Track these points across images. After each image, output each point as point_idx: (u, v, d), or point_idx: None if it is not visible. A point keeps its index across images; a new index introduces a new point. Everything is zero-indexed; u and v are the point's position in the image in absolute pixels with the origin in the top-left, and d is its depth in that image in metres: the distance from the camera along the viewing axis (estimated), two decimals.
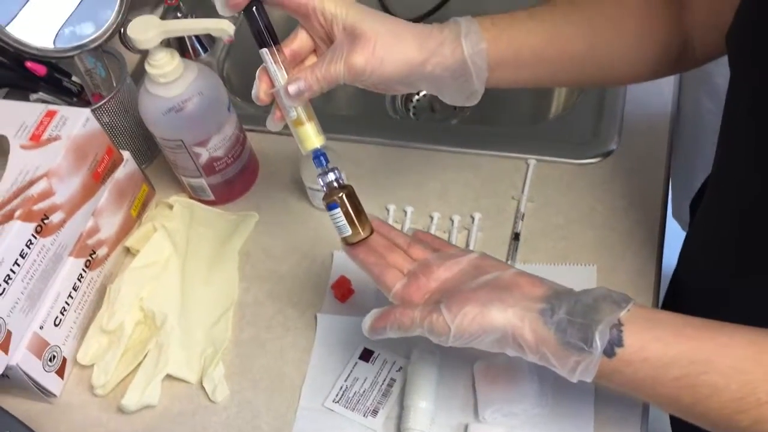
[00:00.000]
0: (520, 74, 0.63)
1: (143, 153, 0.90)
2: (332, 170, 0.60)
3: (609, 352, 0.51)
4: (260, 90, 0.60)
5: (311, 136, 0.60)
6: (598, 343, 0.50)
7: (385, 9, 1.15)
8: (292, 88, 0.58)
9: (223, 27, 0.68)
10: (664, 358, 0.50)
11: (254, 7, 0.58)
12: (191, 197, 0.86)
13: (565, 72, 0.64)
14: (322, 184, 0.60)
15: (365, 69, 0.57)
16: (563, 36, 0.62)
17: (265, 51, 0.59)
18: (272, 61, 0.59)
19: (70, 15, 0.79)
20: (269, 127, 0.62)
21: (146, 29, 0.69)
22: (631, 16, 0.63)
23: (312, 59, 0.61)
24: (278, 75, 0.59)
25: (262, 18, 0.58)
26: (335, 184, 0.60)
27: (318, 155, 0.60)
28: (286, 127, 0.94)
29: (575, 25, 0.62)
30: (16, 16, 0.77)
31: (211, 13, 1.06)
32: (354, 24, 0.57)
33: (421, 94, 1.14)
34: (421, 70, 0.59)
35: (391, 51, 0.57)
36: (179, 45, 1.01)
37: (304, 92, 0.58)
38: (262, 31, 0.58)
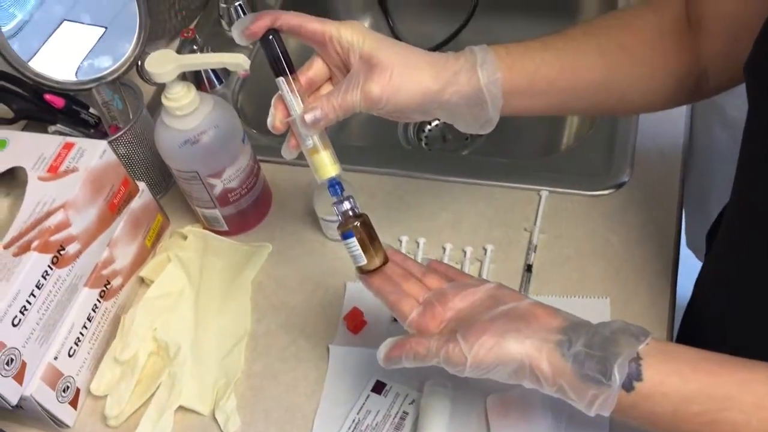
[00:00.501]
0: (534, 103, 0.63)
1: (158, 183, 0.91)
2: (347, 199, 0.60)
3: (628, 386, 0.50)
4: (276, 118, 0.60)
5: (326, 165, 0.60)
6: (617, 376, 0.50)
7: (398, 40, 1.16)
8: (308, 117, 0.58)
9: (239, 61, 0.69)
10: (684, 392, 0.50)
11: (270, 36, 0.58)
12: (205, 227, 0.87)
13: (578, 100, 0.64)
14: (337, 212, 0.60)
15: (381, 97, 0.58)
16: (577, 65, 0.62)
17: (281, 79, 0.59)
18: (288, 90, 0.59)
19: (91, 49, 0.80)
20: (284, 155, 0.63)
21: (164, 63, 0.70)
22: (645, 46, 0.63)
23: (327, 87, 0.62)
24: (294, 103, 0.59)
25: (279, 46, 0.59)
26: (350, 212, 0.60)
27: (333, 184, 0.60)
28: (299, 156, 0.95)
29: (589, 54, 0.63)
30: (38, 51, 0.79)
31: (227, 45, 1.09)
32: (371, 52, 0.57)
33: (434, 123, 1.14)
34: (437, 99, 0.59)
35: (408, 79, 0.58)
36: (195, 77, 1.02)
37: (321, 121, 0.58)
38: (278, 59, 0.59)
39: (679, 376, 0.50)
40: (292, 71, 0.60)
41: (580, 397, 0.52)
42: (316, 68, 0.61)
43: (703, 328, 0.75)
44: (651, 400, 0.50)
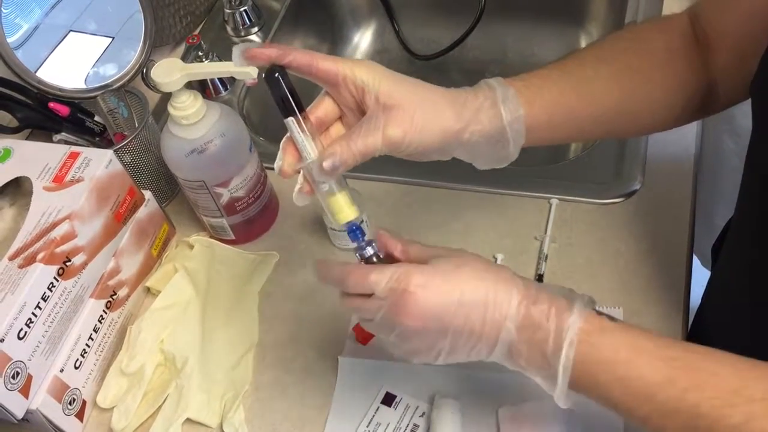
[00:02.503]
0: (553, 135, 0.63)
1: (164, 191, 0.90)
2: (370, 244, 0.56)
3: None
4: (285, 163, 0.56)
5: (344, 208, 0.57)
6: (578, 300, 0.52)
7: (403, 45, 1.16)
8: (327, 164, 0.54)
9: (246, 70, 0.68)
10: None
11: (276, 74, 0.55)
12: (211, 236, 0.86)
13: (596, 127, 0.64)
14: (359, 258, 0.56)
15: (404, 140, 0.55)
16: (594, 93, 0.62)
17: (291, 120, 0.55)
18: (299, 131, 0.55)
19: (99, 58, 0.80)
20: (297, 202, 0.59)
21: (170, 73, 0.70)
22: (657, 67, 0.63)
23: (337, 127, 0.59)
24: (307, 146, 0.55)
25: (286, 84, 0.55)
26: (374, 259, 0.56)
27: (353, 229, 0.56)
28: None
29: (604, 80, 0.62)
30: (45, 60, 0.78)
31: (232, 52, 1.08)
32: (389, 93, 0.55)
33: None
34: (458, 138, 0.58)
35: (430, 121, 0.56)
36: (200, 83, 1.01)
37: (340, 167, 0.55)
38: (286, 98, 0.55)
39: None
40: (302, 110, 0.55)
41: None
42: (325, 107, 0.58)
43: (710, 334, 0.74)
44: (617, 331, 0.51)
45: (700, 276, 0.81)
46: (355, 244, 0.57)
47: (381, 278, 0.52)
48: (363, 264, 0.56)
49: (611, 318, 0.52)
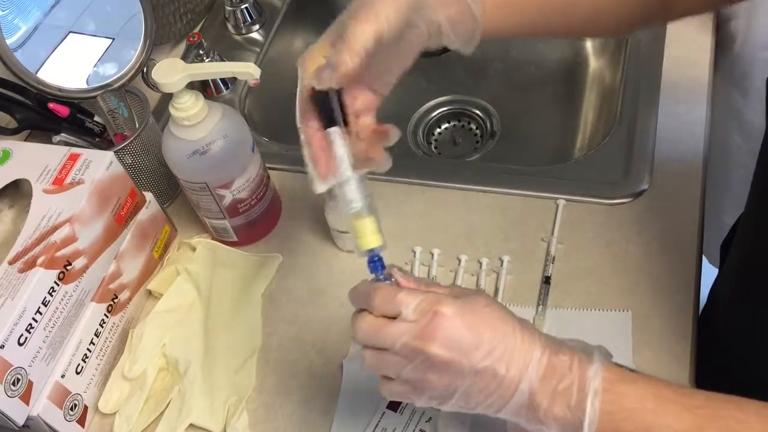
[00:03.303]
0: (509, 21, 0.62)
1: (165, 192, 0.89)
2: (389, 278, 0.54)
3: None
4: (321, 176, 0.55)
5: (369, 234, 0.54)
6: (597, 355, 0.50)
7: None
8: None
9: (249, 71, 0.67)
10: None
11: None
12: (214, 238, 0.85)
13: (551, 20, 0.63)
14: None
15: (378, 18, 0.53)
16: None
17: (335, 131, 0.54)
18: (342, 144, 0.54)
19: (99, 58, 0.79)
20: (316, 189, 0.57)
21: (171, 73, 0.68)
22: None
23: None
24: (346, 160, 0.54)
25: (339, 98, 0.54)
26: None
27: (374, 259, 0.54)
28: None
29: None
30: (45, 61, 0.77)
31: (233, 49, 1.07)
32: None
33: (443, 127, 1.12)
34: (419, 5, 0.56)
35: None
36: (201, 82, 1.00)
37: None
38: (336, 108, 0.54)
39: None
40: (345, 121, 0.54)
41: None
42: (364, 100, 0.58)
43: (716, 335, 0.74)
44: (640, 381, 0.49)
45: (707, 274, 0.80)
46: (373, 275, 0.55)
47: (411, 299, 0.50)
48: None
49: (629, 369, 0.50)
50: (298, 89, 0.56)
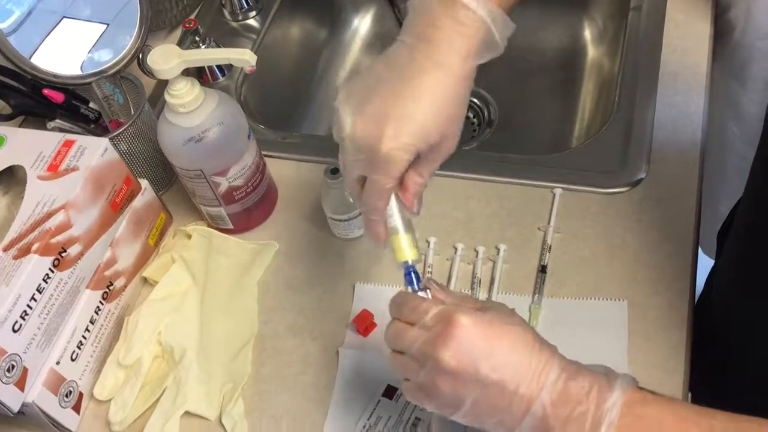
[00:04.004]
0: None
1: (160, 179, 0.89)
2: (425, 290, 0.56)
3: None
4: (380, 233, 0.59)
5: (404, 248, 0.59)
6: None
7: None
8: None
9: (245, 57, 0.67)
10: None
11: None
12: (209, 225, 0.84)
13: None
14: None
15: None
16: None
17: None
18: (399, 209, 0.58)
19: (94, 44, 0.78)
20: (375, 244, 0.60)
21: (167, 59, 0.68)
22: None
23: None
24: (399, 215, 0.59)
25: None
26: None
27: (409, 271, 0.57)
28: (306, 152, 0.92)
29: None
30: (38, 47, 0.77)
31: (230, 35, 1.06)
32: None
33: None
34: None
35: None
36: (197, 69, 0.99)
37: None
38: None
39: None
40: None
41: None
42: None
43: (713, 326, 0.74)
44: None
45: (702, 264, 0.80)
46: (409, 288, 0.57)
47: (432, 308, 0.52)
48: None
49: (653, 393, 0.49)
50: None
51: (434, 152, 0.57)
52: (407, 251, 0.58)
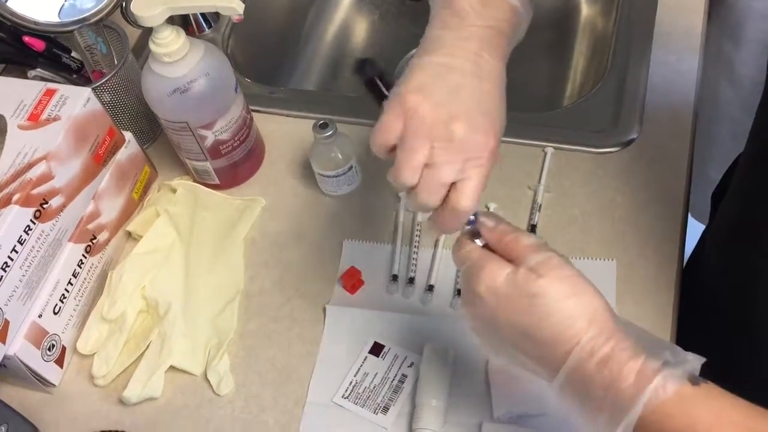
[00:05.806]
0: None
1: (145, 132, 0.87)
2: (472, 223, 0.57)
3: (694, 380, 0.45)
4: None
5: None
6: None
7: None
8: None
9: (232, 5, 0.65)
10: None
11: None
12: (195, 180, 0.83)
13: None
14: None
15: None
16: None
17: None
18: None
19: None
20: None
21: (151, 6, 0.66)
22: None
23: None
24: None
25: None
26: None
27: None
28: (295, 108, 0.90)
29: None
30: None
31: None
32: None
33: None
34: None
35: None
36: (182, 20, 0.97)
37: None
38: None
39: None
40: None
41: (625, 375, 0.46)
42: None
43: (705, 291, 0.74)
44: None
45: (690, 227, 0.80)
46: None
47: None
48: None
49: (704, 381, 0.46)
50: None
51: None
52: None
